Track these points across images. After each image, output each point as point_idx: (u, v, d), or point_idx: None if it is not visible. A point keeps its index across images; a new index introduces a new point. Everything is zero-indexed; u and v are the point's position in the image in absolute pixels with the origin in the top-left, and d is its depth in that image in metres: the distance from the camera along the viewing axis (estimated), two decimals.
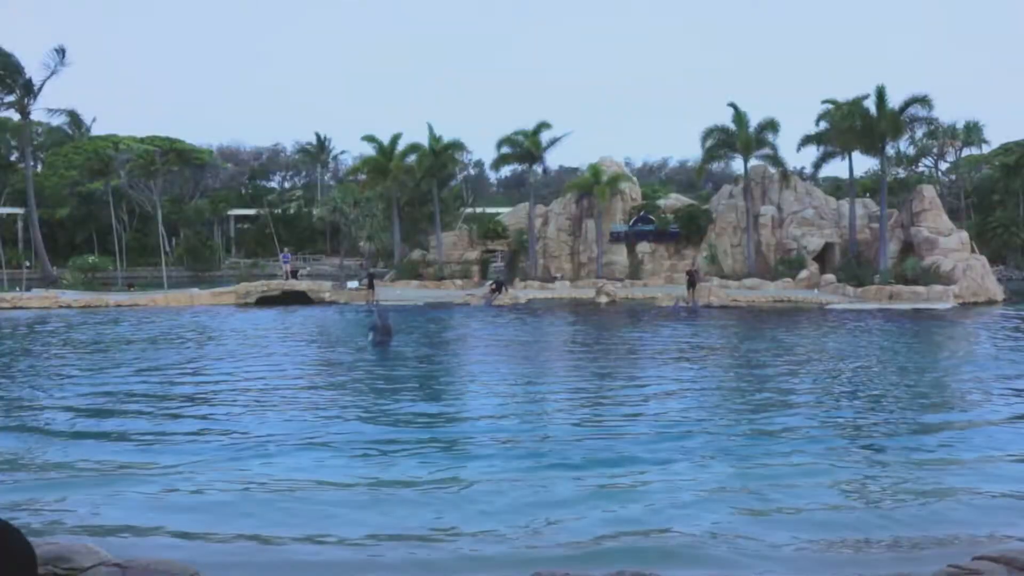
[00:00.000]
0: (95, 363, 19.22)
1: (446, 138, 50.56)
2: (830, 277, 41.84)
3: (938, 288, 36.12)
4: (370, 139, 52.50)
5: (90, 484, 9.15)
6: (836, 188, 58.00)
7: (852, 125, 40.83)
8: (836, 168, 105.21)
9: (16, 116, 62.13)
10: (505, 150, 48.78)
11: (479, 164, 77.63)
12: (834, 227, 45.53)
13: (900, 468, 9.85)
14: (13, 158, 73.75)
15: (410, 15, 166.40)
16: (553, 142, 48.51)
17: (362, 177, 55.05)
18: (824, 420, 12.65)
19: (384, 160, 51.13)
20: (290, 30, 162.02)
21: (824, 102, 43.74)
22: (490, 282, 42.30)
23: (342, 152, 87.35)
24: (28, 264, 63.38)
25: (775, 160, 45.61)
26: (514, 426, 12.32)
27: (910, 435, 11.67)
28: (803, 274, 43.22)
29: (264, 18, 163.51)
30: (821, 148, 44.65)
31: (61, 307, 36.01)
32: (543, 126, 47.92)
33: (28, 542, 1.99)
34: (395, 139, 51.72)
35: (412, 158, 51.37)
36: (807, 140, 44.48)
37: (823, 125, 43.52)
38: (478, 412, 13.26)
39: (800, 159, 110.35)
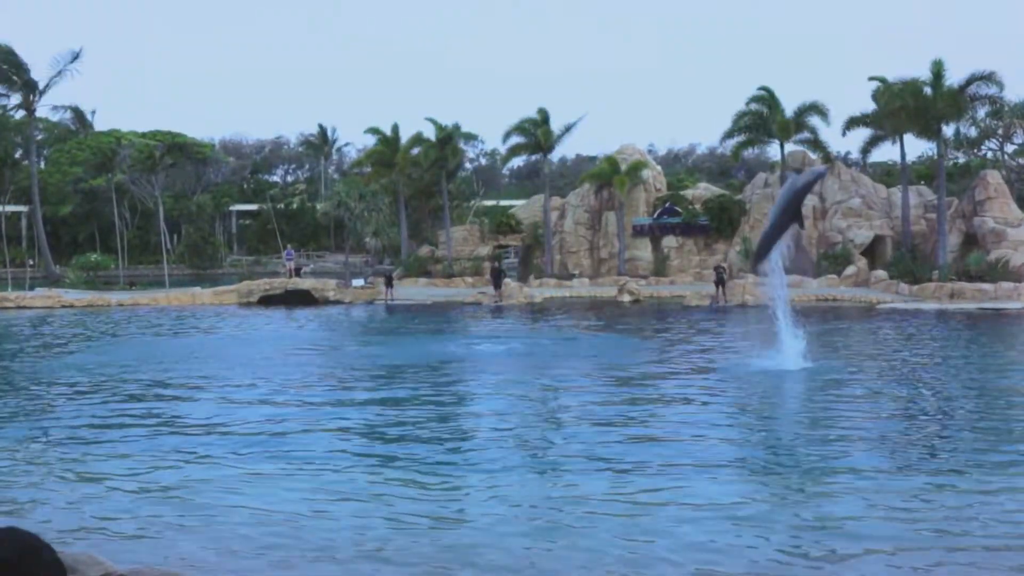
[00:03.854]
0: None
1: (453, 126, 47.61)
2: (881, 273, 37.85)
3: (1007, 285, 32.31)
4: (374, 131, 50.15)
5: (93, 492, 9.24)
6: (886, 175, 53.66)
7: (904, 105, 36.98)
8: (886, 152, 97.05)
9: (20, 113, 62.45)
10: (514, 139, 45.79)
11: (491, 154, 74.23)
12: (885, 218, 41.33)
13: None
14: (17, 155, 72.99)
15: (417, 4, 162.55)
16: (567, 129, 45.35)
17: (367, 170, 52.67)
18: (896, 448, 10.96)
19: (389, 152, 48.94)
20: (292, 18, 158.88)
21: (871, 79, 39.75)
22: (493, 265, 40.10)
23: (346, 144, 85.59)
24: (32, 262, 62.45)
25: (817, 145, 41.53)
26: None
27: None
28: (850, 270, 39.23)
29: (266, 7, 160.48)
30: (869, 132, 40.83)
31: (63, 306, 36.27)
32: (544, 114, 44.44)
33: (59, 559, 2.13)
34: (396, 129, 49.17)
35: (419, 150, 48.69)
36: (853, 122, 40.39)
37: (868, 106, 39.87)
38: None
39: (844, 144, 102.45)
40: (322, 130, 79.49)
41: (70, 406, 14.33)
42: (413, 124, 46.94)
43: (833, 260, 40.06)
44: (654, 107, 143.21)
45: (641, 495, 8.88)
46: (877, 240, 40.70)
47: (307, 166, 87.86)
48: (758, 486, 9.35)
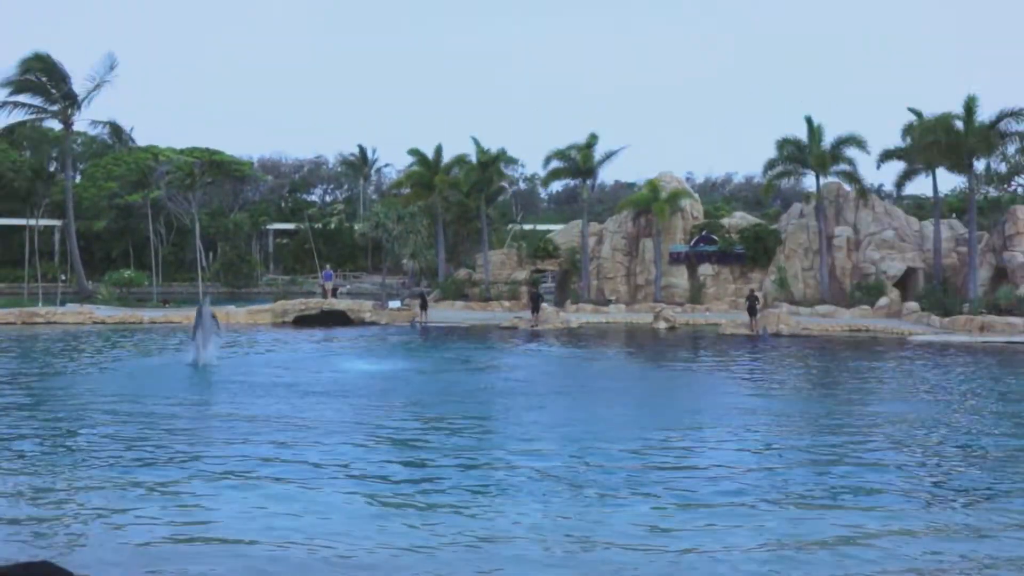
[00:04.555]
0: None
1: (495, 149, 48.48)
2: (913, 305, 38.51)
3: None
4: (415, 152, 50.89)
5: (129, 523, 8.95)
6: (919, 208, 54.38)
7: (936, 140, 37.68)
8: (919, 186, 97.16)
9: (58, 126, 62.03)
10: (555, 164, 46.58)
11: (530, 179, 74.95)
12: (917, 250, 42.12)
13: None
14: (52, 169, 73.43)
15: (458, 24, 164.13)
16: (608, 156, 46.27)
17: (406, 191, 53.18)
18: (924, 478, 11.27)
19: (428, 173, 49.37)
20: (335, 38, 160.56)
21: (909, 109, 40.62)
22: (531, 289, 40.36)
23: (386, 165, 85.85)
24: (64, 277, 62.73)
25: (851, 177, 42.32)
26: None
27: None
28: (882, 301, 39.97)
29: (309, 27, 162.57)
30: (903, 165, 41.60)
31: (95, 323, 35.69)
32: (594, 139, 45.53)
33: None
34: (439, 151, 49.94)
35: (458, 172, 49.37)
36: (887, 155, 41.31)
37: (899, 140, 40.75)
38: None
39: (878, 176, 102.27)
40: (362, 150, 79.83)
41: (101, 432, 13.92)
42: (452, 147, 47.84)
43: (866, 291, 40.71)
44: (692, 135, 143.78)
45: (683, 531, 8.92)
46: (909, 272, 41.36)
47: (346, 186, 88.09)
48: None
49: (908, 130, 40.44)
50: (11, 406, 16.26)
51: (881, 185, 61.76)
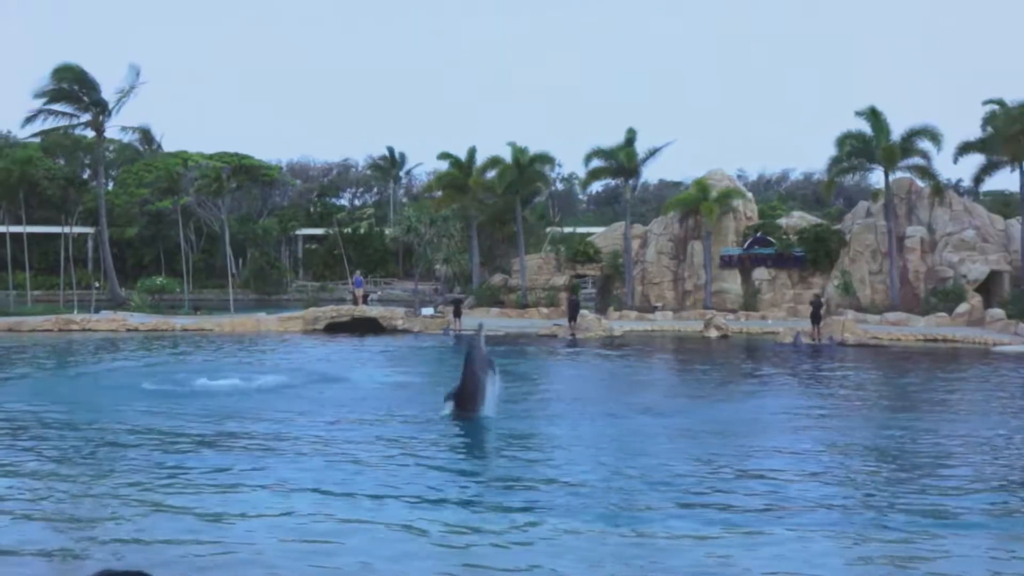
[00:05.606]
0: None
1: (531, 150, 45.95)
2: (997, 312, 34.89)
3: None
4: (446, 156, 48.83)
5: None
6: (1003, 205, 50.74)
7: (1022, 130, 34.31)
8: (1001, 180, 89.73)
9: (90, 133, 62.33)
10: (596, 163, 44.05)
11: (568, 179, 72.06)
12: (1001, 251, 38.28)
13: None
14: (85, 176, 73.34)
15: (488, 20, 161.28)
16: (652, 153, 43.52)
17: (438, 194, 51.14)
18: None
19: (461, 175, 47.47)
20: (362, 40, 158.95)
21: (986, 103, 37.14)
22: (570, 296, 38.74)
23: (416, 166, 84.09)
24: (97, 284, 62.42)
25: (925, 172, 38.62)
26: None
27: None
28: (962, 308, 36.26)
29: (335, 29, 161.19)
30: (981, 158, 38.29)
31: (128, 330, 36.48)
32: (632, 134, 42.80)
33: None
34: (472, 152, 47.81)
35: (492, 174, 46.98)
36: (966, 148, 37.92)
37: (966, 132, 37.86)
38: None
39: (954, 172, 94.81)
40: (391, 152, 78.32)
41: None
42: (485, 147, 45.39)
43: (943, 297, 37.13)
44: (743, 130, 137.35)
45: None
46: (993, 275, 37.66)
47: (375, 190, 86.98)
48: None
49: (989, 120, 37.45)
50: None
51: (959, 181, 57.35)
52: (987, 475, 12.00)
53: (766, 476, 11.61)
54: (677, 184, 66.30)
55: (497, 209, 48.74)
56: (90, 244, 70.54)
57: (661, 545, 8.83)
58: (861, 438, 14.57)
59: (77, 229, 69.53)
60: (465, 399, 15.64)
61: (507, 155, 46.10)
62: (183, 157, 71.15)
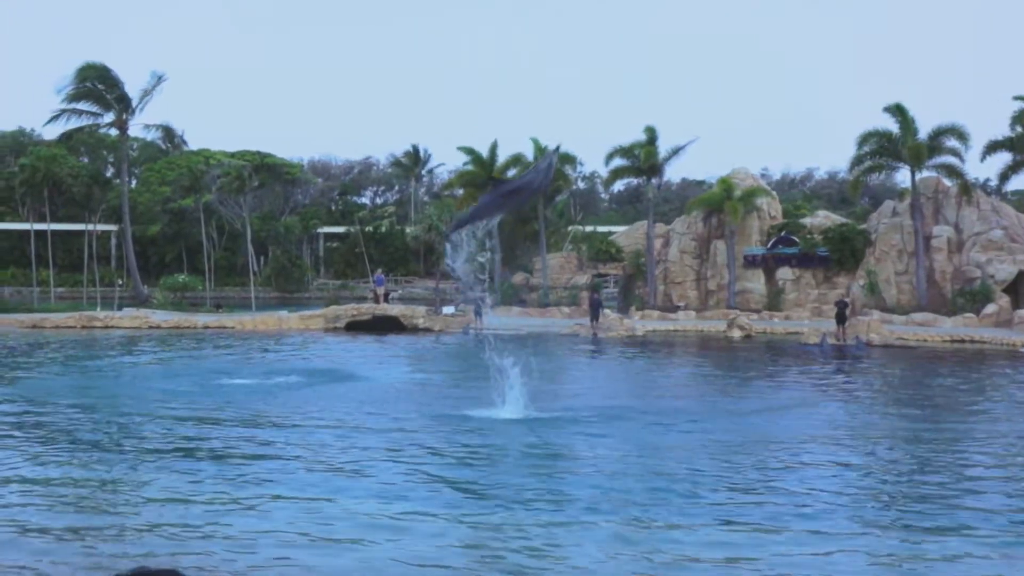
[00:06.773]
0: None
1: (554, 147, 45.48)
2: None
3: None
4: (467, 151, 48.56)
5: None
6: None
7: None
8: None
9: (114, 132, 62.83)
10: (618, 162, 43.93)
11: (590, 177, 71.74)
12: None
13: None
14: (109, 174, 73.89)
15: (512, 18, 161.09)
16: (675, 151, 43.37)
17: (460, 192, 50.93)
18: None
19: (483, 173, 46.90)
20: (384, 37, 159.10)
21: (1016, 98, 36.52)
22: (592, 295, 37.99)
23: (439, 165, 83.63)
24: (120, 282, 62.87)
25: (953, 171, 38.04)
26: None
27: None
28: (990, 308, 35.83)
29: (357, 26, 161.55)
30: (1008, 157, 37.69)
31: (151, 327, 36.73)
32: (652, 132, 42.48)
33: None
34: (494, 149, 47.57)
35: (513, 172, 46.71)
36: (994, 146, 37.26)
37: (998, 129, 36.97)
38: None
39: (981, 170, 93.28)
40: (414, 150, 78.03)
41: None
42: (508, 145, 45.32)
43: (970, 297, 36.63)
44: (768, 129, 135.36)
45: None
46: (1021, 276, 37.08)
47: (397, 188, 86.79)
48: None
49: (1019, 118, 36.59)
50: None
51: (987, 180, 56.56)
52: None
53: (794, 482, 11.36)
54: (700, 183, 65.89)
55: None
56: (113, 242, 70.98)
57: (689, 552, 8.67)
58: (891, 444, 14.29)
59: (101, 227, 69.78)
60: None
61: (529, 152, 46.04)
62: (205, 155, 71.43)
